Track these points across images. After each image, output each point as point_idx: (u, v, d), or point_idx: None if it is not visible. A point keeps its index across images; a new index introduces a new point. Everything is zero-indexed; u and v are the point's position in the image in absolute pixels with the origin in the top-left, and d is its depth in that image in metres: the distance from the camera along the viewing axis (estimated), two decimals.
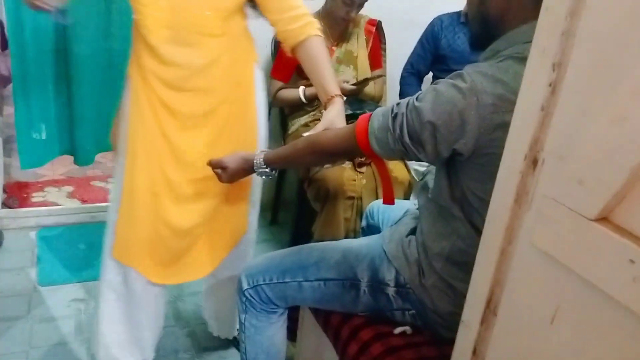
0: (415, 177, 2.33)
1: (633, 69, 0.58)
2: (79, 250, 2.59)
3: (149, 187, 1.57)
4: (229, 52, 1.58)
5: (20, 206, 2.86)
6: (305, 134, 1.41)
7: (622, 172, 0.59)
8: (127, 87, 1.62)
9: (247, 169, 1.49)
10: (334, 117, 1.47)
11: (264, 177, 1.49)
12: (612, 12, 0.61)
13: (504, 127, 0.85)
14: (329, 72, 1.55)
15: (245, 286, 1.46)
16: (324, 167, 2.07)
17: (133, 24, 1.55)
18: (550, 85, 0.70)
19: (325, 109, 1.53)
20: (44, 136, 2.61)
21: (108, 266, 1.69)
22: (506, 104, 1.02)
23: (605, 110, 0.61)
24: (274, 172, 1.47)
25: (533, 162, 0.74)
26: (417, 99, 1.11)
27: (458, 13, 2.63)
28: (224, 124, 1.63)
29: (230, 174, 1.51)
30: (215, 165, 1.52)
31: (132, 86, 1.58)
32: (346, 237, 2.13)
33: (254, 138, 1.72)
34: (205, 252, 1.73)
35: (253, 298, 1.46)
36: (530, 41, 0.72)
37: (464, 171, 1.14)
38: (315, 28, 1.56)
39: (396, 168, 2.23)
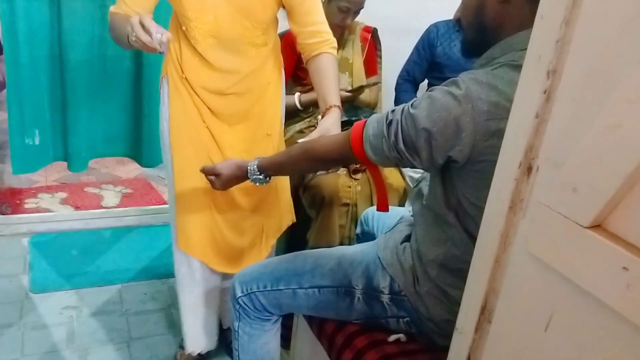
0: (410, 183, 2.33)
1: (626, 76, 0.58)
2: (71, 257, 2.58)
3: (200, 177, 1.64)
4: (268, 60, 1.72)
5: (13, 213, 2.85)
6: (300, 141, 1.41)
7: (615, 179, 0.60)
8: (164, 87, 1.71)
9: (240, 175, 1.49)
10: (329, 125, 1.53)
11: (257, 183, 1.48)
12: (607, 21, 0.61)
13: (499, 134, 0.85)
14: (333, 86, 1.65)
15: (238, 293, 1.46)
16: (318, 174, 2.08)
17: (173, 32, 1.65)
18: (544, 92, 0.70)
19: (322, 117, 1.60)
20: (37, 142, 2.60)
21: (176, 259, 1.82)
22: (501, 111, 1.02)
23: (599, 117, 0.62)
24: (267, 179, 1.46)
25: (528, 169, 0.74)
26: (412, 105, 1.12)
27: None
28: (258, 121, 1.76)
29: (223, 181, 1.51)
30: (208, 172, 1.53)
31: (171, 85, 1.67)
32: (341, 243, 2.12)
33: (281, 134, 1.84)
34: (260, 240, 1.88)
35: (247, 305, 1.45)
36: (526, 48, 0.73)
37: (458, 178, 1.14)
38: (330, 46, 1.69)
39: (391, 175, 2.23)
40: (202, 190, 1.72)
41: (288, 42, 2.31)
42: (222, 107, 1.69)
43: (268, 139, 1.79)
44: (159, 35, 1.33)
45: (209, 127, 1.71)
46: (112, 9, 1.58)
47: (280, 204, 1.89)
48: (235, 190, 1.68)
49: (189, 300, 1.86)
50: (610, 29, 0.61)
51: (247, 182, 1.53)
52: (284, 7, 1.68)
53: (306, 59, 1.73)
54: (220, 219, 1.77)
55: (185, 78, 1.65)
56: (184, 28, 1.61)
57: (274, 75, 1.79)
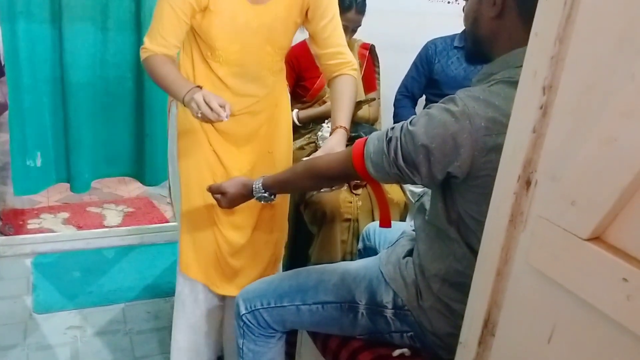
0: (411, 198, 2.34)
1: (620, 91, 0.59)
2: (74, 277, 2.58)
3: (206, 201, 1.68)
4: (278, 82, 1.77)
5: (16, 233, 2.85)
6: (303, 159, 1.43)
7: (613, 192, 0.61)
8: (172, 110, 1.76)
9: (246, 194, 1.51)
10: (334, 144, 1.56)
11: (262, 201, 1.50)
12: (599, 38, 0.62)
13: (497, 149, 0.86)
14: (346, 107, 1.69)
15: (242, 311, 1.46)
16: (322, 191, 2.09)
17: (187, 54, 1.68)
18: (541, 107, 0.71)
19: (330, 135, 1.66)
20: (38, 163, 2.61)
21: (178, 280, 1.85)
22: (498, 126, 1.04)
23: (594, 131, 0.63)
24: (272, 197, 1.48)
25: (526, 183, 0.75)
26: (410, 123, 1.13)
27: (452, 37, 2.66)
28: (264, 141, 1.79)
29: (229, 199, 1.53)
30: (214, 190, 1.55)
31: (180, 108, 1.67)
32: (343, 259, 2.13)
33: (285, 153, 1.86)
34: (262, 260, 1.87)
35: (251, 323, 1.45)
36: (521, 65, 0.74)
37: (459, 193, 1.15)
38: (350, 68, 1.73)
39: (392, 190, 2.24)
40: (207, 214, 1.74)
41: (287, 61, 2.33)
42: (232, 128, 1.71)
43: (269, 157, 1.81)
44: (223, 114, 1.40)
45: (216, 151, 1.73)
46: (147, 45, 1.57)
47: (281, 224, 1.91)
48: (238, 211, 1.70)
49: (191, 320, 1.86)
50: (603, 45, 0.62)
51: (251, 202, 1.55)
52: (304, 28, 1.73)
53: (327, 79, 1.77)
54: (223, 242, 1.77)
55: None
56: (207, 53, 1.63)
57: (281, 96, 1.83)
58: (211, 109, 1.40)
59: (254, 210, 1.78)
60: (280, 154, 1.83)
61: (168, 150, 1.80)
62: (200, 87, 1.50)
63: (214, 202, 1.61)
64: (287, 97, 1.89)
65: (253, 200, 1.54)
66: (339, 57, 1.72)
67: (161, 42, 1.56)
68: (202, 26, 1.58)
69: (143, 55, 1.59)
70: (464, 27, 1.36)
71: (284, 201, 1.89)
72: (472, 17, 1.20)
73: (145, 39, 1.59)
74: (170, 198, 1.94)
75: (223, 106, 1.41)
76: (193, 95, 1.43)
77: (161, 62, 1.56)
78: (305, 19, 1.68)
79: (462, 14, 2.48)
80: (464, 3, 2.53)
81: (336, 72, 1.72)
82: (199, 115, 1.42)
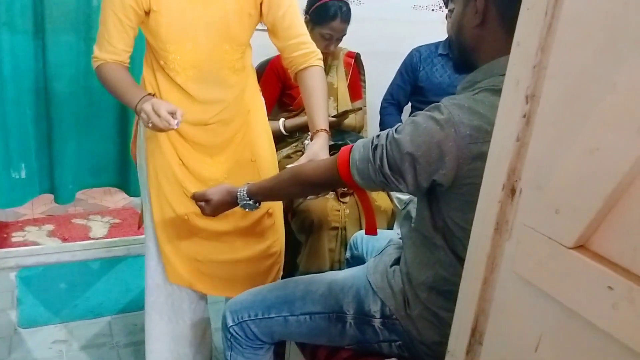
0: (398, 205, 2.34)
1: (602, 101, 0.60)
2: (60, 290, 2.55)
3: (179, 214, 1.67)
4: (247, 87, 1.72)
5: (0, 247, 2.81)
6: (289, 166, 1.42)
7: (596, 200, 0.61)
8: (140, 124, 1.71)
9: (230, 201, 1.49)
10: (317, 150, 1.53)
11: (247, 209, 1.49)
12: (580, 47, 0.63)
13: (482, 157, 0.86)
14: (321, 106, 1.65)
15: (230, 323, 1.45)
16: (308, 198, 2.08)
17: (149, 66, 1.65)
18: (524, 116, 0.72)
19: (311, 141, 1.61)
20: (23, 175, 2.58)
21: (150, 288, 1.80)
22: (483, 134, 1.04)
23: (577, 140, 0.63)
24: (257, 204, 1.47)
25: (511, 191, 0.75)
26: (396, 130, 1.13)
27: (436, 44, 2.68)
28: (240, 148, 1.75)
29: (213, 207, 1.51)
30: (198, 198, 1.53)
31: None
32: (331, 267, 2.12)
33: (269, 161, 1.83)
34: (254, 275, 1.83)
35: (238, 334, 1.44)
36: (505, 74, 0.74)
37: (444, 201, 1.15)
38: (316, 58, 1.68)
39: (379, 197, 2.24)
40: (182, 224, 1.71)
41: (273, 70, 2.34)
42: (204, 138, 1.69)
43: (252, 165, 1.78)
44: (173, 121, 1.39)
45: (186, 165, 1.69)
46: (97, 53, 1.56)
47: (281, 232, 1.90)
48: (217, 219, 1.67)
49: (175, 330, 1.83)
50: (584, 54, 0.63)
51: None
52: (262, 23, 1.68)
53: (294, 73, 1.71)
54: (204, 246, 1.75)
55: None
56: (161, 62, 1.60)
57: (254, 102, 1.79)
58: (159, 116, 1.38)
59: (246, 219, 1.76)
60: (264, 162, 1.80)
61: (138, 164, 1.76)
62: (152, 95, 1.48)
63: (188, 212, 1.61)
64: (261, 101, 1.85)
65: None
66: (302, 47, 1.66)
67: (110, 49, 1.55)
68: (150, 29, 1.55)
69: (94, 64, 1.58)
70: (447, 35, 1.37)
71: (280, 209, 1.88)
72: (456, 26, 1.20)
73: (95, 48, 1.57)
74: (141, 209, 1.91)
75: (173, 113, 1.39)
76: (143, 104, 1.41)
77: (112, 70, 1.55)
78: (261, 11, 1.63)
79: (446, 22, 2.50)
80: (447, 11, 2.55)
81: (303, 64, 1.67)
82: (150, 125, 1.40)
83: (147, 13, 1.53)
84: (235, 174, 1.73)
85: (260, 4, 1.62)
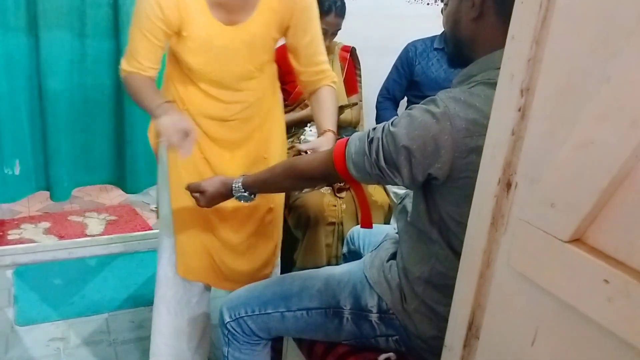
0: (394, 200, 2.34)
1: (596, 94, 0.60)
2: (57, 288, 2.54)
3: (197, 209, 1.66)
4: (268, 87, 1.75)
5: None
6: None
7: (591, 194, 0.61)
8: None
9: (225, 193, 1.49)
10: (322, 143, 1.58)
11: (242, 201, 1.48)
12: (574, 41, 0.63)
13: (478, 151, 0.86)
14: (330, 114, 1.70)
15: (227, 319, 1.45)
16: (303, 191, 2.08)
17: (172, 64, 1.67)
18: (519, 110, 0.71)
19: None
20: (17, 172, 2.58)
21: (160, 281, 1.82)
22: (479, 128, 1.04)
23: (572, 134, 0.63)
24: (252, 196, 1.47)
25: (507, 185, 0.75)
26: (392, 124, 1.13)
27: (431, 39, 2.67)
28: (258, 145, 1.77)
29: (208, 198, 1.50)
30: (193, 189, 1.53)
31: None
32: (328, 263, 2.12)
33: (280, 158, 1.84)
34: (262, 257, 1.88)
35: (235, 331, 1.44)
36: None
37: (440, 195, 1.15)
38: (330, 79, 1.74)
39: (375, 192, 2.24)
40: (200, 218, 1.73)
41: None
42: (224, 133, 1.71)
43: (264, 162, 1.80)
44: (188, 142, 1.41)
45: (207, 159, 1.72)
46: (124, 66, 1.57)
47: (279, 228, 1.93)
48: (232, 214, 1.70)
49: (178, 323, 1.84)
50: (578, 47, 0.62)
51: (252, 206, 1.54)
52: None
53: (307, 94, 1.77)
54: (219, 243, 1.78)
55: (187, 109, 1.66)
56: (186, 70, 1.63)
57: (273, 99, 1.82)
58: (174, 140, 1.40)
59: (252, 215, 1.78)
60: (275, 159, 1.81)
61: (158, 154, 1.79)
62: (170, 102, 1.50)
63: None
64: (280, 101, 1.87)
65: (253, 204, 1.54)
66: (321, 75, 1.72)
67: (137, 65, 1.55)
68: (177, 50, 1.58)
69: (121, 75, 1.59)
70: (443, 29, 1.36)
71: (281, 204, 1.90)
72: (452, 20, 1.20)
73: (123, 61, 1.58)
74: (157, 203, 1.92)
75: (187, 133, 1.41)
76: (159, 117, 1.42)
77: (135, 79, 1.56)
78: (285, 34, 1.66)
79: (441, 16, 2.50)
80: (442, 5, 2.54)
81: (318, 85, 1.72)
82: (166, 144, 1.41)
83: (176, 34, 1.55)
84: (250, 171, 1.74)
85: (286, 28, 1.65)
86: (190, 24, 1.52)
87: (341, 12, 2.31)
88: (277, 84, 1.85)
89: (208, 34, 1.55)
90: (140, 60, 1.55)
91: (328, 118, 1.68)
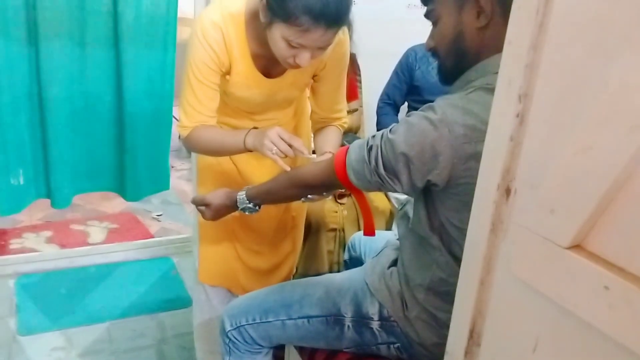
0: (396, 206, 2.33)
1: (594, 99, 0.59)
2: (59, 297, 2.54)
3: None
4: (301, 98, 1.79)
5: None
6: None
7: (590, 200, 0.60)
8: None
9: (230, 205, 1.49)
10: (328, 149, 1.59)
11: (247, 212, 1.48)
12: (572, 45, 0.62)
13: (476, 157, 0.86)
14: (332, 145, 1.66)
15: (228, 327, 1.44)
16: (309, 198, 2.08)
17: None
18: (517, 115, 0.71)
19: None
20: (22, 181, 2.58)
21: (194, 287, 1.91)
22: (477, 134, 1.03)
23: (571, 140, 0.62)
24: (257, 207, 1.47)
25: (506, 191, 0.74)
26: (390, 131, 1.13)
27: None
28: None
29: (214, 211, 1.51)
30: (198, 202, 1.53)
31: None
32: (330, 269, 2.12)
33: None
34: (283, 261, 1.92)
35: (236, 339, 1.44)
36: None
37: (440, 201, 1.15)
38: (340, 123, 1.74)
39: (377, 198, 2.23)
40: (224, 223, 1.70)
41: None
42: None
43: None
44: (305, 150, 1.41)
45: (236, 164, 1.73)
46: (185, 123, 1.52)
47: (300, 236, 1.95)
48: (255, 219, 1.69)
49: (209, 326, 1.88)
50: (575, 52, 0.62)
51: (265, 210, 1.55)
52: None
53: (315, 129, 1.77)
54: (242, 249, 1.80)
55: (219, 121, 1.65)
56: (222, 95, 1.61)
57: (303, 109, 1.83)
58: (290, 146, 1.39)
59: (276, 224, 1.82)
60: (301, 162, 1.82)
61: (191, 162, 1.84)
62: (256, 128, 1.50)
63: (233, 215, 1.60)
64: (308, 109, 1.86)
65: (277, 215, 1.62)
66: (337, 120, 1.73)
67: (199, 118, 1.51)
68: (220, 87, 1.56)
69: (183, 133, 1.54)
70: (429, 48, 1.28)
71: (302, 211, 1.92)
72: (454, 34, 1.16)
73: (182, 116, 1.53)
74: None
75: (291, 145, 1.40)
76: (266, 132, 1.40)
77: (202, 129, 1.52)
78: (312, 78, 1.66)
79: None
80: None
81: (327, 124, 1.73)
82: (273, 152, 1.39)
83: (225, 74, 1.53)
84: None
85: (314, 76, 1.64)
86: (233, 68, 1.51)
87: None
88: (305, 96, 1.84)
89: (248, 84, 1.54)
90: (203, 112, 1.51)
91: (329, 144, 1.66)
